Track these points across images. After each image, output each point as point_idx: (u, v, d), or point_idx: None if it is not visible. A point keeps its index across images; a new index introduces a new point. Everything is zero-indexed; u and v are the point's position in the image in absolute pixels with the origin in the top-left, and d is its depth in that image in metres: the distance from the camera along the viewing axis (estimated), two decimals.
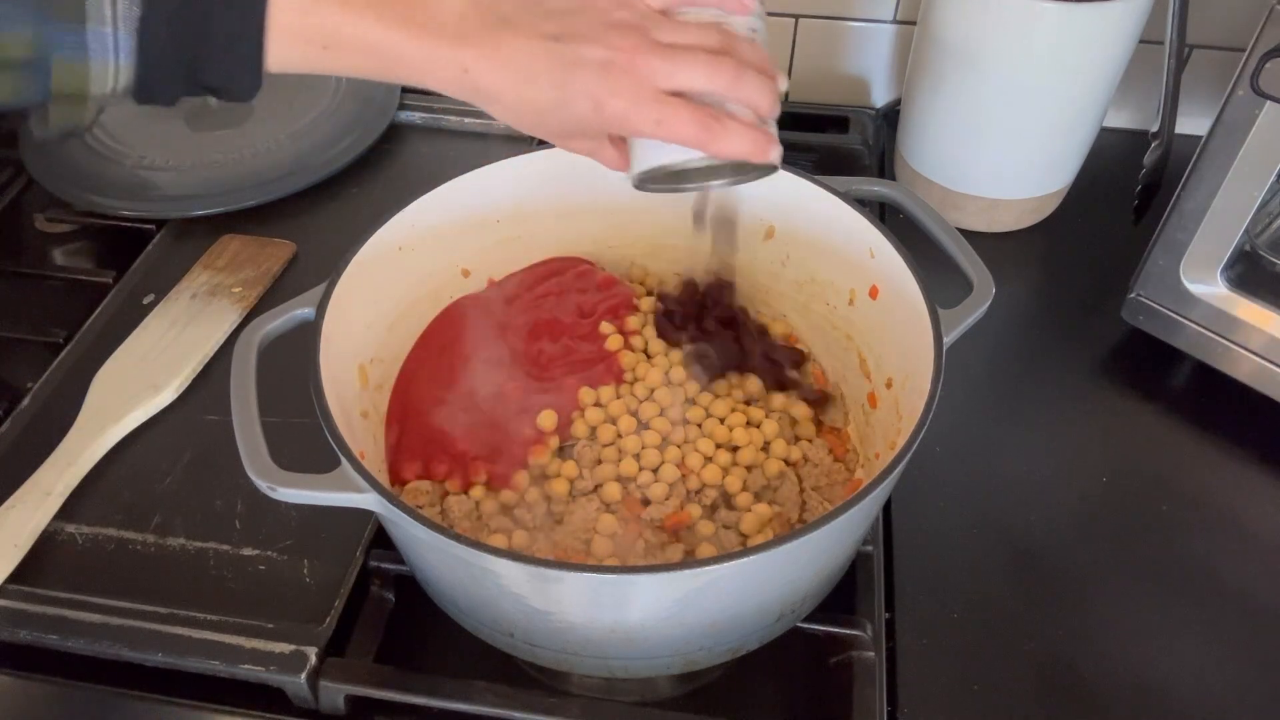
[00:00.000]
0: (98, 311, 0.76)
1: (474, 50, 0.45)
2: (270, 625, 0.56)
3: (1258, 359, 0.68)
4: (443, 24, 0.45)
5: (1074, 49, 0.73)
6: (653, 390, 0.63)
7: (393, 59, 0.45)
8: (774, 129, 0.49)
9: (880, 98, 0.98)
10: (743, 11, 0.48)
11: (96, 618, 0.57)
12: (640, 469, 0.59)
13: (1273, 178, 0.62)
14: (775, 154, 0.47)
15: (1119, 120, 0.92)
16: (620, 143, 0.51)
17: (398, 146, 0.91)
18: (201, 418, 0.69)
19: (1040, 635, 0.59)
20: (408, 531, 0.48)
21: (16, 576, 0.59)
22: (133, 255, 0.80)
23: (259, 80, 0.45)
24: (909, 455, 0.48)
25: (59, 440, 0.65)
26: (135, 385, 0.69)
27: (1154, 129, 0.74)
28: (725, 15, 0.48)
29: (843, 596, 0.58)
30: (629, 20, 0.46)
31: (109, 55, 0.42)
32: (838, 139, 0.92)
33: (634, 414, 0.62)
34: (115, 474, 0.65)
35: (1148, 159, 0.75)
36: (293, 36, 0.44)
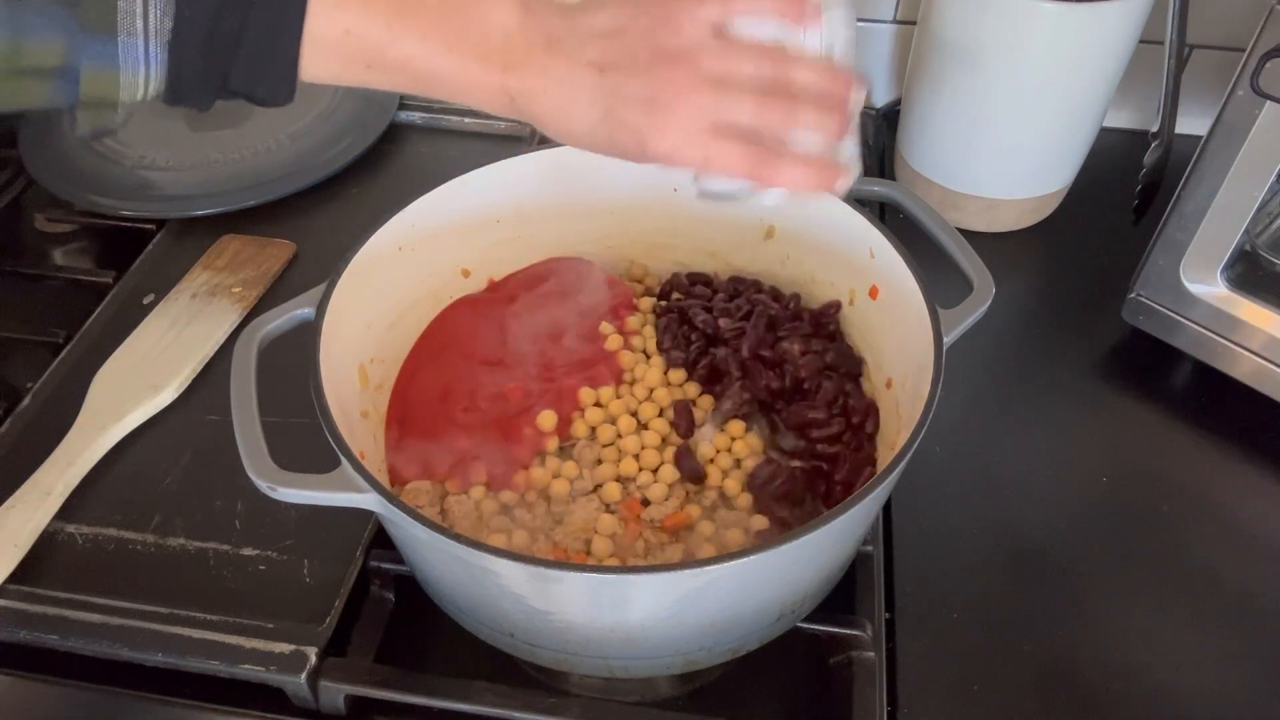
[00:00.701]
0: (98, 311, 0.76)
1: (519, 77, 0.44)
2: (270, 625, 0.56)
3: (1258, 359, 0.68)
4: (490, 48, 0.44)
5: (1074, 49, 0.73)
6: (652, 390, 0.63)
7: (437, 81, 0.44)
8: (848, 149, 0.47)
9: (880, 98, 0.98)
10: (804, 23, 0.45)
11: (96, 618, 0.57)
12: (640, 469, 0.59)
13: (1273, 178, 0.62)
14: (841, 184, 0.45)
15: (1119, 120, 0.92)
16: None
17: (398, 146, 0.91)
18: (201, 418, 0.69)
19: (1040, 635, 0.59)
20: (408, 531, 0.48)
21: (16, 576, 0.59)
22: (133, 255, 0.80)
23: (293, 89, 0.44)
24: (909, 455, 0.48)
25: (59, 440, 0.65)
26: (135, 385, 0.69)
27: (1154, 129, 0.74)
28: (789, 31, 0.45)
29: (843, 596, 0.58)
30: (677, 48, 0.43)
31: (139, 65, 0.41)
32: None
33: (634, 414, 0.62)
34: (115, 474, 0.65)
35: (1148, 159, 0.75)
36: (333, 53, 0.43)
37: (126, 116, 0.44)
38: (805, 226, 0.65)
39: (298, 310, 0.56)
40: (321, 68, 0.44)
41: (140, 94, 0.42)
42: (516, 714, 0.53)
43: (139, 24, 0.40)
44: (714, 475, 0.59)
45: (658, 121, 0.43)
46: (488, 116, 0.91)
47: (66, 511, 0.62)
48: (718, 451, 0.61)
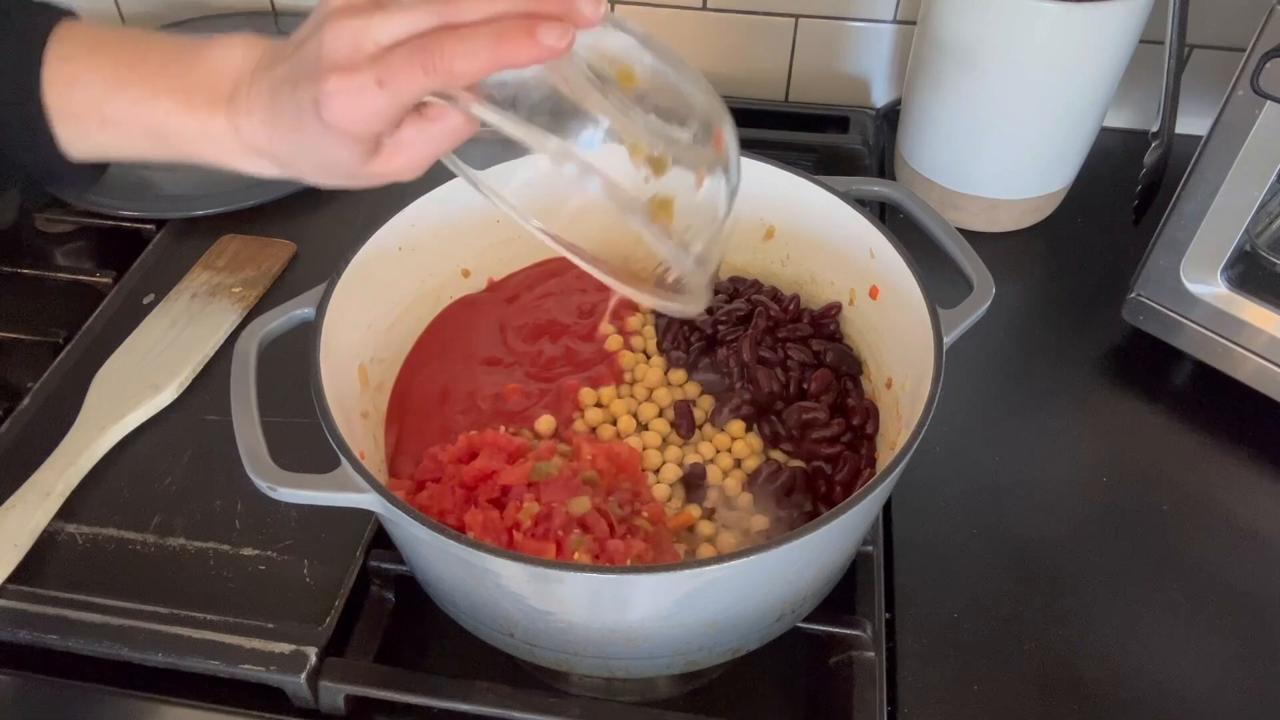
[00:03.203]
0: (98, 311, 0.76)
1: (243, 109, 0.42)
2: (270, 625, 0.56)
3: (1258, 359, 0.68)
4: (217, 92, 0.42)
5: (1074, 49, 0.73)
6: (652, 390, 0.63)
7: (171, 132, 0.43)
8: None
9: (880, 98, 0.98)
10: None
11: (96, 618, 0.57)
12: (641, 469, 0.59)
13: (1273, 178, 0.62)
14: (553, 35, 0.37)
15: (1119, 120, 0.92)
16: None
17: None
18: (201, 418, 0.69)
19: (1040, 635, 0.59)
20: (408, 531, 0.48)
21: (16, 576, 0.59)
22: (133, 255, 0.80)
23: (63, 161, 0.43)
24: (909, 455, 0.48)
25: (59, 440, 0.65)
26: (135, 385, 0.69)
27: (1154, 129, 0.74)
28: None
29: (843, 596, 0.58)
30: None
31: None
32: (838, 139, 0.92)
33: (634, 414, 0.62)
34: (115, 474, 0.65)
35: (1148, 159, 0.75)
36: (67, 113, 0.43)
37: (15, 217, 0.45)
38: (805, 226, 0.65)
39: (298, 310, 0.56)
40: (68, 133, 0.43)
41: None
42: (516, 714, 0.53)
43: None
44: (714, 475, 0.59)
45: (321, 74, 0.38)
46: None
47: (66, 511, 0.63)
48: (718, 451, 0.61)
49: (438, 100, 0.40)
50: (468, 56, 0.37)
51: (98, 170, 0.46)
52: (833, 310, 0.64)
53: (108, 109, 0.43)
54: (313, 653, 0.55)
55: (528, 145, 0.39)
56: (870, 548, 0.60)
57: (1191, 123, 0.75)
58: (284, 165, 0.43)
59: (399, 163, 0.42)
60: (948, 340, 0.53)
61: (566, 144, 0.40)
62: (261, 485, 0.48)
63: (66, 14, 0.44)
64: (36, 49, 0.42)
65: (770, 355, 0.63)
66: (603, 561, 0.51)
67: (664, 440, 0.61)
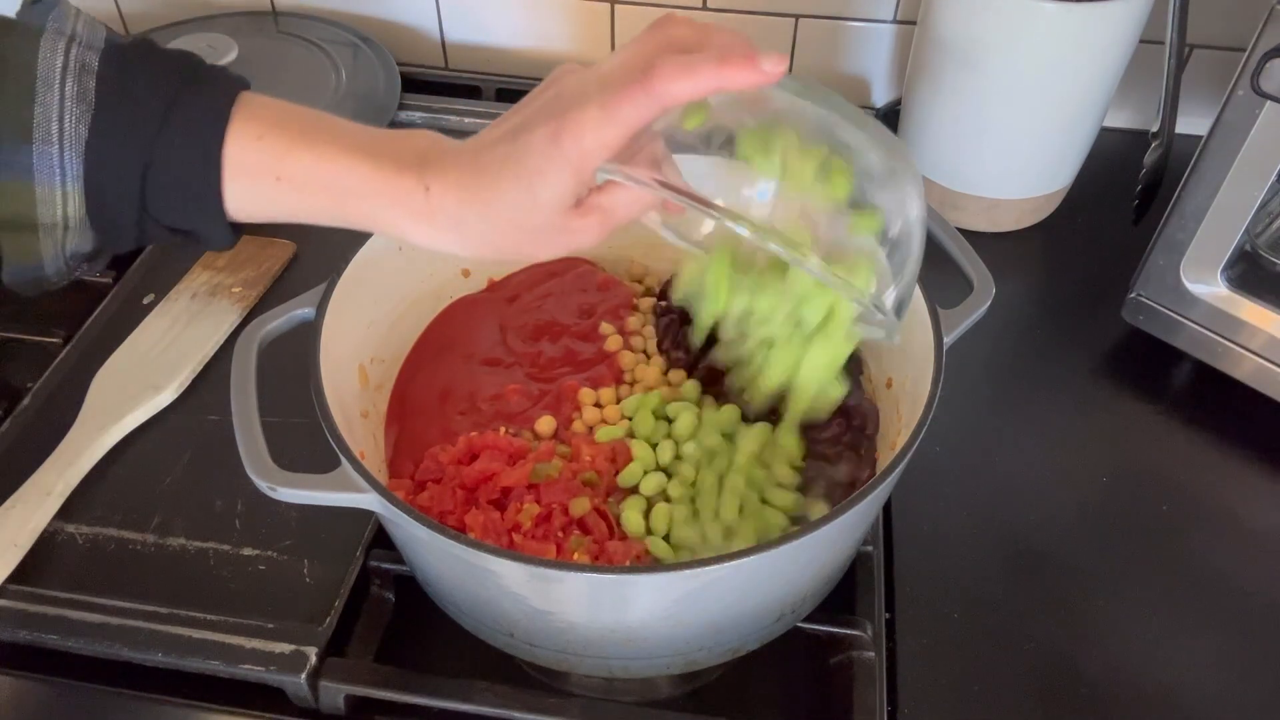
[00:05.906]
0: (98, 311, 0.76)
1: (438, 168, 0.42)
2: (270, 625, 0.56)
3: (1258, 359, 0.68)
4: (404, 157, 0.43)
5: (1074, 49, 0.73)
6: (652, 391, 0.63)
7: (349, 188, 0.43)
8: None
9: (880, 98, 0.98)
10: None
11: (96, 618, 0.57)
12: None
13: (1273, 178, 0.62)
14: (771, 66, 0.40)
15: (1119, 120, 0.92)
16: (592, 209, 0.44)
17: None
18: (201, 418, 0.69)
19: (1040, 635, 0.59)
20: (408, 531, 0.48)
21: (16, 576, 0.59)
22: (133, 255, 0.80)
23: (222, 219, 0.43)
24: (909, 455, 0.48)
25: (59, 440, 0.65)
26: (135, 385, 0.69)
27: (1154, 129, 0.74)
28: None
29: (843, 596, 0.58)
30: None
31: (55, 177, 0.39)
32: None
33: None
34: (115, 474, 0.65)
35: (1148, 159, 0.75)
36: (243, 167, 0.42)
37: (68, 270, 0.43)
38: None
39: (298, 310, 0.56)
40: (235, 188, 0.42)
41: (59, 212, 0.40)
42: (516, 714, 0.53)
43: (54, 128, 0.39)
44: None
45: (563, 109, 0.40)
46: (487, 117, 0.91)
47: (66, 511, 0.63)
48: None
49: (629, 178, 0.42)
50: (687, 74, 0.39)
51: (236, 234, 0.45)
52: None
53: (288, 163, 0.42)
54: (313, 653, 0.55)
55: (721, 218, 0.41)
56: (870, 548, 0.60)
57: (1191, 123, 0.75)
58: (464, 233, 0.43)
59: (593, 218, 0.43)
60: (948, 340, 0.53)
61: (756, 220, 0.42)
62: (261, 485, 0.48)
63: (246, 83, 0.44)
64: (225, 106, 0.42)
65: None
66: (602, 562, 0.51)
67: None
